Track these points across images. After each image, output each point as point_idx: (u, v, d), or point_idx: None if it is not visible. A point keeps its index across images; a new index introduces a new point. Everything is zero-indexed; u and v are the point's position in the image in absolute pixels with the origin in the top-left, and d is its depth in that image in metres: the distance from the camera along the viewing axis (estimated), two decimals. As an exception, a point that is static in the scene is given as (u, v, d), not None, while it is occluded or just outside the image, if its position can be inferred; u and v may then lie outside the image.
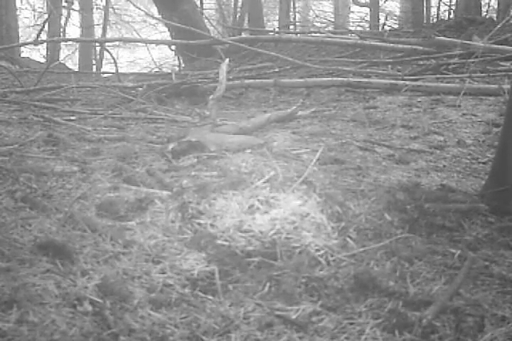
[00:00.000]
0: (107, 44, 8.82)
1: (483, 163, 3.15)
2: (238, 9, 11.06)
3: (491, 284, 1.87)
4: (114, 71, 6.85)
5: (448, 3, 11.09)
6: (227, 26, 10.98)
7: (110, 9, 11.88)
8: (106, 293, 1.64)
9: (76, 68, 10.88)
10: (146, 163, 2.66)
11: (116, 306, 1.61)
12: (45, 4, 11.86)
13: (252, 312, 1.66)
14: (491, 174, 2.57)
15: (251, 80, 5.77)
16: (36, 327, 1.47)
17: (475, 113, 4.10)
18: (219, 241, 1.98)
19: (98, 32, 12.41)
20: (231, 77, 5.58)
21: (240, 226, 2.05)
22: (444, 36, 6.82)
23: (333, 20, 13.66)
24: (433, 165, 3.02)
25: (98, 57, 10.83)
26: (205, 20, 9.21)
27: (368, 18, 12.84)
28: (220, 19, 12.47)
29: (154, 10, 9.79)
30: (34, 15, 13.45)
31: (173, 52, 9.97)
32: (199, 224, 2.08)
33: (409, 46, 6.50)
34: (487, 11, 10.70)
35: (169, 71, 7.26)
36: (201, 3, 10.96)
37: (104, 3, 11.72)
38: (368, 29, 11.15)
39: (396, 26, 11.32)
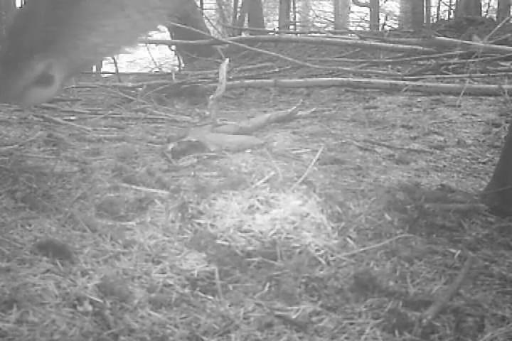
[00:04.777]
0: (107, 44, 8.78)
1: (483, 163, 3.15)
2: (238, 9, 11.06)
3: (491, 284, 1.87)
4: (114, 71, 6.86)
5: (448, 3, 11.10)
6: (227, 26, 10.98)
7: (110, 9, 11.85)
8: (106, 293, 1.64)
9: (76, 68, 10.85)
10: (146, 163, 2.66)
11: (116, 306, 1.61)
12: (45, 4, 11.85)
13: (252, 312, 1.66)
14: (494, 175, 2.56)
15: (251, 80, 5.78)
16: (36, 327, 1.47)
17: (475, 113, 4.10)
18: (219, 241, 1.98)
19: (98, 32, 12.38)
20: (231, 77, 5.58)
21: (239, 226, 2.05)
22: (444, 36, 6.83)
23: (333, 20, 13.67)
24: (433, 165, 3.02)
25: (98, 57, 10.81)
26: (205, 20, 9.22)
27: (368, 18, 12.85)
28: (220, 19, 12.48)
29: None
30: (34, 15, 13.44)
31: (173, 52, 9.97)
32: (199, 224, 2.08)
33: (409, 46, 6.51)
34: (487, 11, 10.72)
35: (169, 71, 7.26)
36: (201, 3, 10.96)
37: (104, 3, 11.70)
38: (368, 29, 11.17)
39: (396, 26, 11.33)
